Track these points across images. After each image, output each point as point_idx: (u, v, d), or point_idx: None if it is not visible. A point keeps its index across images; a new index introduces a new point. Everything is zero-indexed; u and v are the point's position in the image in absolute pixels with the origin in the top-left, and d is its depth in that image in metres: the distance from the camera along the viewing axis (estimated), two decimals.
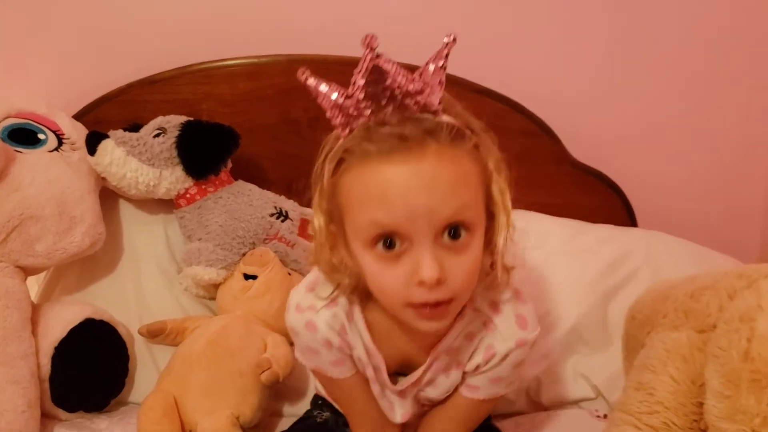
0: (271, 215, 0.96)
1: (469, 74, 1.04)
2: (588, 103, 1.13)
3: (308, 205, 1.20)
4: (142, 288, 0.95)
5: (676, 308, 0.79)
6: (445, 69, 0.53)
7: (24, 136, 0.88)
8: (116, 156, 0.90)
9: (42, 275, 0.97)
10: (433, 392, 0.68)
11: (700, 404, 0.67)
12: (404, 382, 0.66)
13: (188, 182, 0.95)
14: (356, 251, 0.56)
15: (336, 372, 0.66)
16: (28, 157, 0.85)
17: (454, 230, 0.53)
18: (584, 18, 1.08)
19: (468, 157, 0.54)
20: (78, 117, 1.00)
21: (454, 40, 0.53)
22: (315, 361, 0.67)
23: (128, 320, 0.91)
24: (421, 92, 0.52)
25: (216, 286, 0.93)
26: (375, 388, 0.67)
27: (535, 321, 0.64)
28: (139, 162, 0.91)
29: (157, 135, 0.93)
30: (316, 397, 0.82)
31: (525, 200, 1.17)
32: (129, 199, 1.00)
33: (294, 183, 1.07)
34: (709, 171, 1.19)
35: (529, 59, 1.09)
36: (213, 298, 0.95)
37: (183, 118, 0.96)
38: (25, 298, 0.82)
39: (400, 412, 0.68)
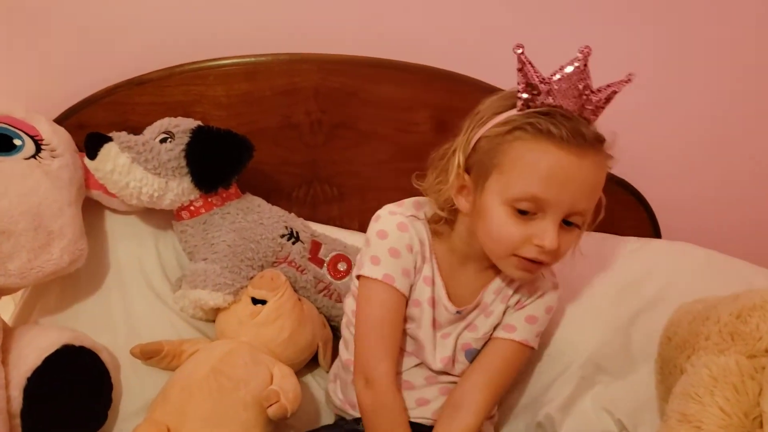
0: (282, 236, 0.91)
1: (482, 75, 1.01)
2: (610, 109, 1.09)
3: (311, 216, 1.12)
4: (130, 308, 0.90)
5: (720, 330, 0.74)
6: (615, 94, 0.68)
7: None
8: (120, 163, 0.85)
9: (20, 294, 0.91)
10: (472, 335, 0.78)
11: None
12: (462, 308, 0.77)
13: (194, 194, 0.90)
14: (488, 202, 0.68)
15: (399, 282, 0.73)
16: (1, 165, 0.80)
17: (572, 220, 0.69)
18: (609, 22, 1.03)
19: (605, 170, 0.69)
20: (59, 121, 0.95)
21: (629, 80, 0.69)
22: (391, 265, 0.73)
23: (114, 344, 0.85)
24: (598, 106, 0.68)
25: (217, 309, 0.88)
26: (425, 320, 0.75)
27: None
28: (145, 171, 0.86)
29: (164, 140, 0.88)
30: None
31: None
32: (115, 211, 0.96)
33: (295, 191, 1.04)
34: (734, 181, 1.16)
35: (547, 61, 1.04)
36: (210, 321, 0.91)
37: (193, 123, 0.91)
38: None
39: (439, 355, 0.77)
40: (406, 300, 0.75)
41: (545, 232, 0.66)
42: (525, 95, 0.66)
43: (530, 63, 0.66)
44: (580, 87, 0.66)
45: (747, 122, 1.12)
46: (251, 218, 0.90)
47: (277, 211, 0.94)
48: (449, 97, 1.00)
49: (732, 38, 1.05)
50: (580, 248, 0.73)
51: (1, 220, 0.75)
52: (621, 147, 1.05)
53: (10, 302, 0.92)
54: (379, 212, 0.77)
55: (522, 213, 0.66)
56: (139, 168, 0.85)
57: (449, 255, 0.76)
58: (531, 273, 0.70)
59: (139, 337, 0.86)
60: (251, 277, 0.87)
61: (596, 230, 1.01)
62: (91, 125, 0.94)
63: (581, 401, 0.86)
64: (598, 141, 0.67)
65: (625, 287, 0.92)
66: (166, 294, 0.91)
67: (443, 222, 0.75)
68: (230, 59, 0.96)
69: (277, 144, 1.00)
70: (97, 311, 0.89)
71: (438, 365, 0.76)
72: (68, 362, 0.76)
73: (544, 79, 0.66)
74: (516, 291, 0.77)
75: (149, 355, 0.83)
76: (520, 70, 0.66)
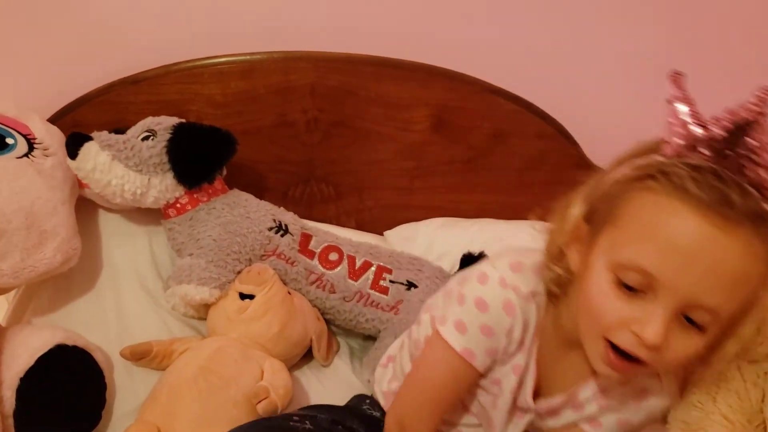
0: (270, 229, 0.90)
1: (482, 73, 1.00)
2: (607, 105, 1.07)
3: (307, 215, 1.11)
4: (123, 308, 0.89)
5: None
6: None
7: None
8: (100, 161, 0.84)
9: (13, 293, 0.90)
10: (552, 423, 0.66)
11: None
12: (543, 403, 0.64)
13: (179, 191, 0.89)
14: (594, 262, 0.53)
15: (480, 361, 0.61)
16: None
17: (694, 318, 0.50)
18: (603, 16, 1.02)
19: (764, 259, 0.49)
20: (53, 120, 0.94)
21: None
22: (475, 342, 0.60)
23: (107, 344, 0.84)
24: None
25: (207, 306, 0.87)
26: (503, 403, 0.64)
27: None
28: (126, 168, 0.86)
29: (146, 138, 0.88)
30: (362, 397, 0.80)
31: (543, 207, 1.09)
32: (109, 210, 0.95)
33: (291, 190, 1.03)
34: None
35: (545, 59, 1.04)
36: (203, 318, 0.90)
37: (175, 120, 0.90)
38: None
39: None
40: (481, 375, 0.63)
41: (650, 317, 0.49)
42: (675, 139, 0.51)
43: (687, 99, 0.50)
44: (753, 143, 0.48)
45: None
46: (237, 212, 0.89)
47: (264, 205, 0.93)
48: (448, 95, 0.99)
49: (738, 39, 1.04)
50: (713, 367, 0.57)
51: None
52: (623, 145, 1.05)
53: (3, 302, 0.91)
54: (487, 271, 0.60)
55: (628, 287, 0.50)
56: (120, 165, 0.85)
57: (554, 337, 0.61)
58: (617, 372, 0.53)
59: (132, 336, 0.85)
60: (239, 272, 0.86)
61: None
62: (85, 124, 0.93)
63: None
64: (760, 218, 0.48)
65: None
66: (159, 293, 0.90)
67: (556, 282, 0.59)
68: (225, 57, 0.95)
69: (272, 142, 0.99)
70: (90, 311, 0.88)
71: None
72: (61, 362, 0.74)
73: (702, 122, 0.50)
74: (620, 393, 0.63)
75: (139, 356, 0.82)
76: (670, 103, 0.51)
